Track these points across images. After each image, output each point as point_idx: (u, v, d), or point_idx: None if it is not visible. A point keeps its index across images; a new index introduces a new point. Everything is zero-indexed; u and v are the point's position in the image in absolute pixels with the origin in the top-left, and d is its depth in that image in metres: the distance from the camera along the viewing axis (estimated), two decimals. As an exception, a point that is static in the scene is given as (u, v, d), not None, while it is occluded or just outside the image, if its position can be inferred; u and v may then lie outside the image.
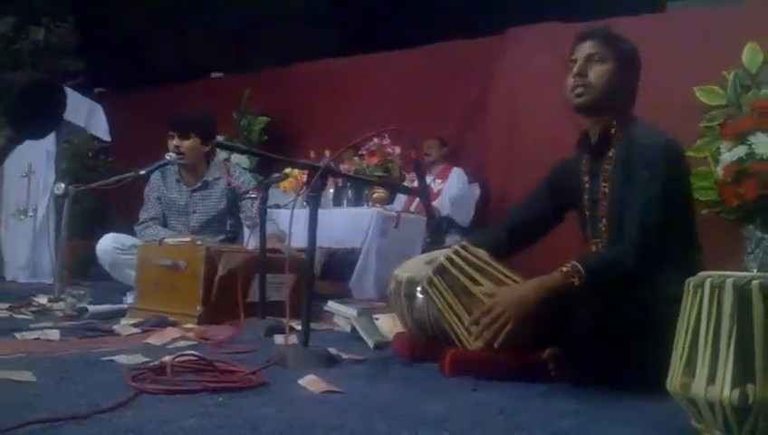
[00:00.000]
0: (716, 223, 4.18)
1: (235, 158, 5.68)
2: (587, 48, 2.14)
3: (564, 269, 1.93)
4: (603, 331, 1.86)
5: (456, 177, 5.32)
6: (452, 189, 5.23)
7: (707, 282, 1.35)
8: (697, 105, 4.41)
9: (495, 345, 1.92)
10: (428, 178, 5.14)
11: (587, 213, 2.22)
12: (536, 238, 2.43)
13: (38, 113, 1.29)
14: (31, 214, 5.40)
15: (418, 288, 2.19)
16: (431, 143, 5.44)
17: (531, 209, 2.41)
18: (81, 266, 5.36)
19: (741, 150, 4.13)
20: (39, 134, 1.39)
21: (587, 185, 2.21)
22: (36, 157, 5.28)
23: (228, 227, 3.80)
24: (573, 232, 2.37)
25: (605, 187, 2.14)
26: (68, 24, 6.93)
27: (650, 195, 1.97)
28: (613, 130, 2.13)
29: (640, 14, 4.91)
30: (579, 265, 1.91)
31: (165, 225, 3.80)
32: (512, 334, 1.89)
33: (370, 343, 2.54)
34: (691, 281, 1.41)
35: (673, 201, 1.99)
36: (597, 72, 2.11)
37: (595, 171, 2.18)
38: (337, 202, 4.71)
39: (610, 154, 2.13)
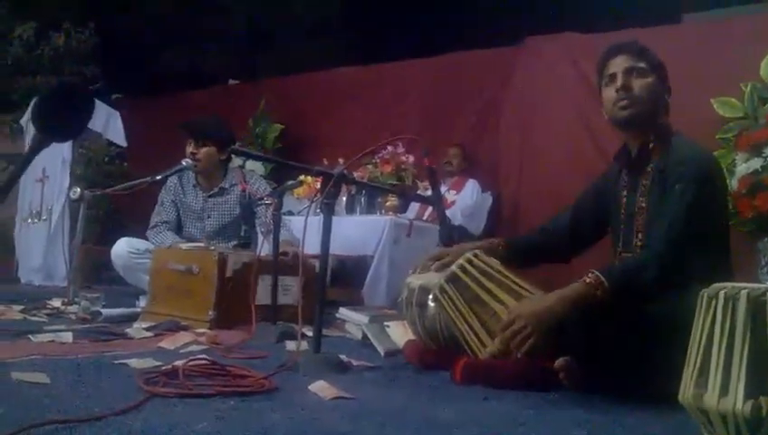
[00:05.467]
0: (731, 235, 4.16)
1: (250, 164, 5.70)
2: (623, 62, 2.13)
3: (587, 280, 1.90)
4: (618, 342, 1.84)
5: (471, 188, 5.29)
6: (466, 201, 5.21)
7: (721, 293, 1.35)
8: (714, 117, 4.39)
9: (518, 356, 1.90)
10: (443, 189, 5.12)
11: (622, 227, 2.21)
12: (577, 249, 2.42)
13: (64, 115, 1.31)
14: (45, 218, 5.46)
15: (430, 296, 2.19)
16: (456, 152, 5.40)
17: (575, 218, 2.39)
18: (94, 270, 5.40)
19: (756, 163, 4.11)
20: (65, 135, 1.41)
21: (624, 199, 2.21)
22: (51, 162, 5.34)
23: (242, 233, 3.81)
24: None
25: (642, 201, 2.13)
26: (88, 31, 7.02)
27: (679, 208, 1.96)
28: (652, 145, 2.13)
29: (656, 26, 4.90)
30: (601, 277, 1.89)
31: (180, 229, 3.82)
32: (533, 347, 1.88)
33: (381, 351, 2.55)
34: (705, 292, 1.40)
35: (703, 217, 1.97)
36: (640, 86, 2.11)
37: (633, 185, 2.18)
38: (350, 210, 4.72)
39: (649, 169, 2.13)
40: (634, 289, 1.91)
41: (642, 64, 2.12)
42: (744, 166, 4.15)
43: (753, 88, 4.31)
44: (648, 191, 2.12)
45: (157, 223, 3.80)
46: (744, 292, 1.32)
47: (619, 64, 2.14)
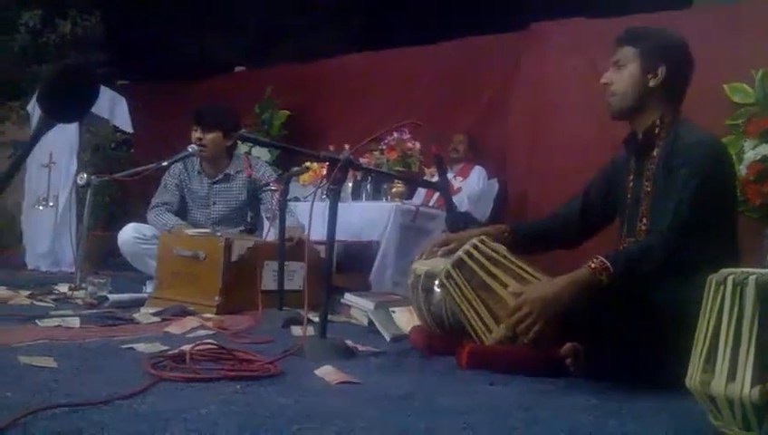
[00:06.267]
0: (738, 221, 4.13)
1: (256, 151, 5.70)
2: (614, 54, 2.16)
3: (592, 265, 1.89)
4: (625, 328, 1.84)
5: (477, 175, 5.28)
6: (472, 187, 5.20)
7: (730, 279, 1.34)
8: (723, 103, 4.35)
9: (525, 341, 1.91)
10: (449, 175, 5.12)
11: (627, 212, 2.20)
12: (585, 235, 2.41)
13: (70, 95, 1.30)
14: (51, 203, 5.46)
15: (436, 282, 2.19)
16: (461, 139, 5.39)
17: (586, 203, 2.38)
18: (101, 256, 5.42)
19: (765, 149, 4.09)
20: (71, 117, 1.39)
21: (631, 184, 2.20)
22: (58, 147, 5.33)
23: (248, 219, 3.82)
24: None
25: (647, 186, 2.13)
26: (94, 18, 7.00)
27: (685, 193, 1.95)
28: (657, 130, 2.12)
29: (666, 11, 4.85)
30: (607, 262, 1.88)
31: (185, 215, 3.82)
32: (539, 332, 1.88)
33: (387, 336, 2.55)
34: (713, 278, 1.39)
35: (709, 202, 1.96)
36: (618, 79, 2.14)
37: (639, 171, 2.17)
38: (356, 196, 4.71)
39: (654, 154, 2.12)
40: (639, 274, 1.90)
41: (627, 54, 2.12)
42: (753, 152, 4.12)
43: (764, 74, 4.27)
44: (654, 176, 2.11)
45: (157, 203, 3.79)
46: (752, 277, 1.31)
47: (612, 57, 2.17)
